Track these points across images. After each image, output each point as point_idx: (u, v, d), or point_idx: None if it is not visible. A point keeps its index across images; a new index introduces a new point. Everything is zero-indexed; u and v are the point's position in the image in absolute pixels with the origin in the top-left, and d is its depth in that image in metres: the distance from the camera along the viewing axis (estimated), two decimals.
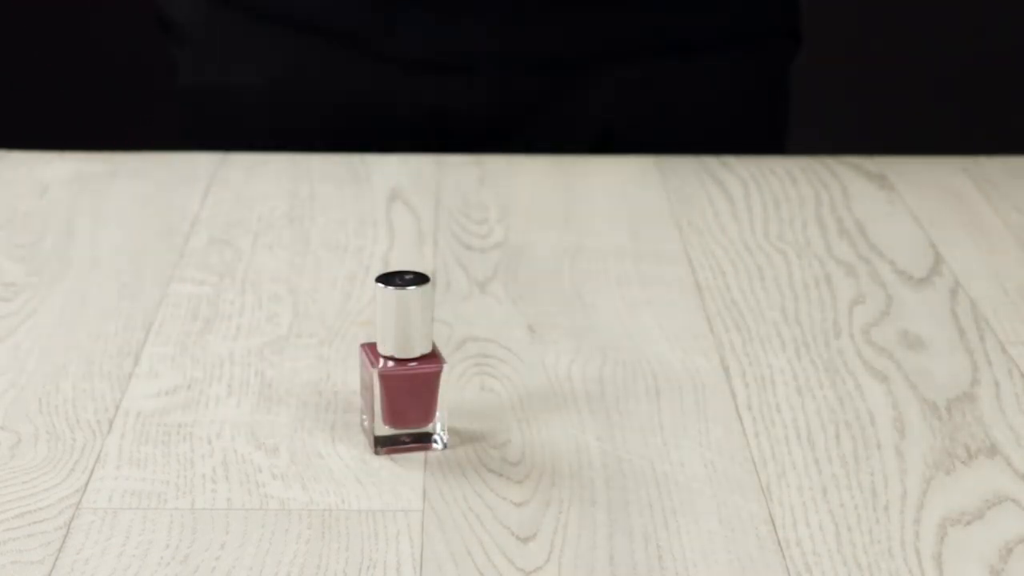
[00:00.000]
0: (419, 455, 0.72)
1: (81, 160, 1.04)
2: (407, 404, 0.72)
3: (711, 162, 1.05)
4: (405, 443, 0.72)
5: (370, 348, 0.72)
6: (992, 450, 0.73)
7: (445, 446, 0.72)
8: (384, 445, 0.72)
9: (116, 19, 2.24)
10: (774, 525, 0.68)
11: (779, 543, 0.66)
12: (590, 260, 0.91)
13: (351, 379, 0.78)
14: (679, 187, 1.01)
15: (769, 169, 1.04)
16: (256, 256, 0.91)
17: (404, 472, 0.71)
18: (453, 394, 0.77)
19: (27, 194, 0.99)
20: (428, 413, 0.72)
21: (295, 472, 0.71)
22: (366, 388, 0.72)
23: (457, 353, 0.81)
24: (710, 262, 0.91)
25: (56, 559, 0.65)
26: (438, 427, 0.72)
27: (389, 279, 0.71)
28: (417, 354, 0.72)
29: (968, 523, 0.68)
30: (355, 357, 0.79)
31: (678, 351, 0.82)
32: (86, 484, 0.70)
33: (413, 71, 1.07)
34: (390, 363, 0.71)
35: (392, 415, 0.72)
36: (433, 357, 0.72)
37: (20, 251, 0.92)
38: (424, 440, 0.72)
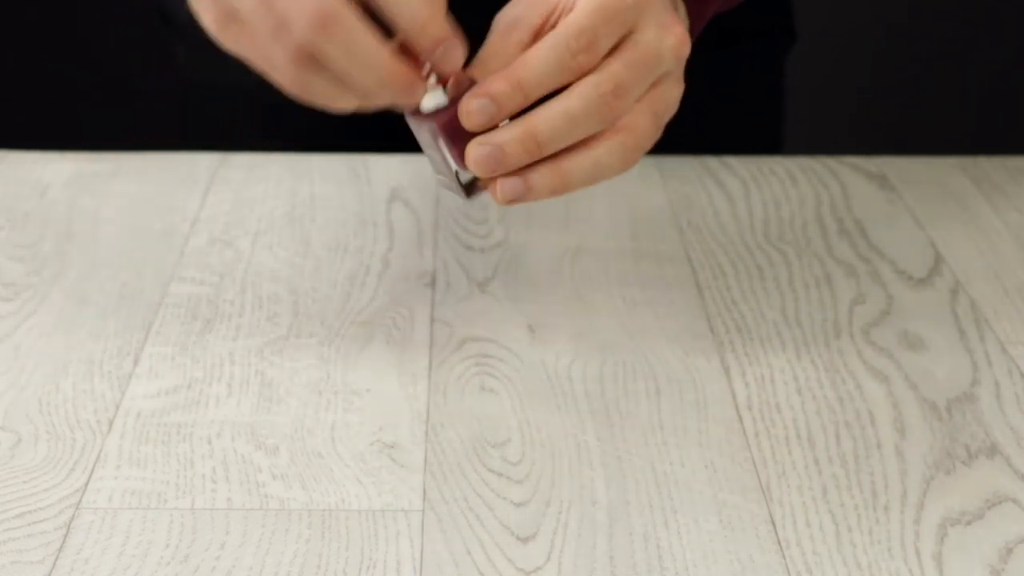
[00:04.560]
0: (419, 455, 0.72)
1: (81, 160, 1.04)
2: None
3: (711, 162, 1.05)
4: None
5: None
6: (992, 450, 0.73)
7: None
8: (475, 190, 0.72)
9: (116, 19, 2.24)
10: (774, 525, 0.68)
11: (779, 543, 0.66)
12: (590, 260, 0.91)
13: (351, 379, 0.78)
14: (679, 187, 1.01)
15: (769, 169, 1.04)
16: (256, 256, 0.91)
17: (404, 472, 0.71)
18: (453, 394, 0.77)
19: (27, 194, 0.99)
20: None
21: (295, 472, 0.71)
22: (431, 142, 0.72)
23: (457, 353, 0.81)
24: (710, 262, 0.91)
25: (56, 559, 0.65)
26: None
27: None
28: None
29: (968, 523, 0.68)
30: (355, 357, 0.80)
31: (678, 351, 0.82)
32: (86, 484, 0.70)
33: None
34: (441, 111, 0.71)
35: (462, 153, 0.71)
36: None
37: (20, 251, 0.92)
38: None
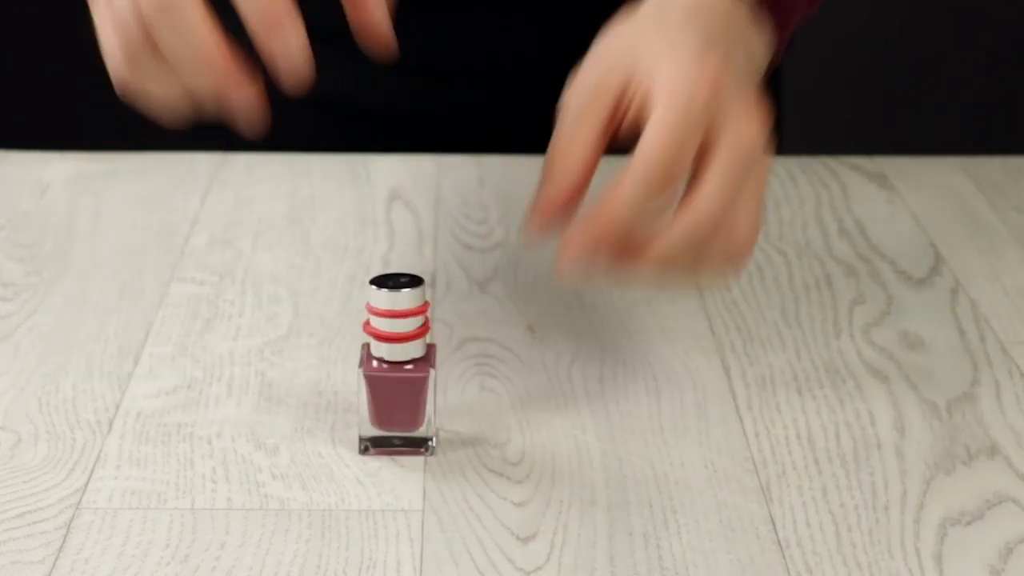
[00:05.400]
0: (419, 455, 0.72)
1: (81, 160, 1.04)
2: (394, 407, 0.71)
3: None
4: (395, 446, 0.72)
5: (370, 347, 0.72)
6: (992, 450, 0.73)
7: (433, 452, 0.72)
8: (376, 446, 0.72)
9: None
10: (774, 525, 0.68)
11: (779, 543, 0.66)
12: None
13: (351, 379, 0.78)
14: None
15: (769, 169, 1.04)
16: (256, 256, 0.91)
17: (404, 472, 0.71)
18: (453, 394, 0.77)
19: (27, 194, 0.99)
20: (416, 418, 0.72)
21: (295, 472, 0.71)
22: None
23: (457, 353, 0.81)
24: None
25: (56, 559, 0.65)
26: (430, 432, 0.72)
27: (383, 281, 0.71)
28: (409, 357, 0.71)
29: (968, 523, 0.68)
30: (355, 357, 0.79)
31: (678, 351, 0.82)
32: (86, 484, 0.70)
33: (412, 72, 1.07)
34: (376, 363, 0.71)
35: (379, 417, 0.71)
36: (424, 362, 0.71)
37: (20, 251, 0.92)
38: (416, 445, 0.72)
